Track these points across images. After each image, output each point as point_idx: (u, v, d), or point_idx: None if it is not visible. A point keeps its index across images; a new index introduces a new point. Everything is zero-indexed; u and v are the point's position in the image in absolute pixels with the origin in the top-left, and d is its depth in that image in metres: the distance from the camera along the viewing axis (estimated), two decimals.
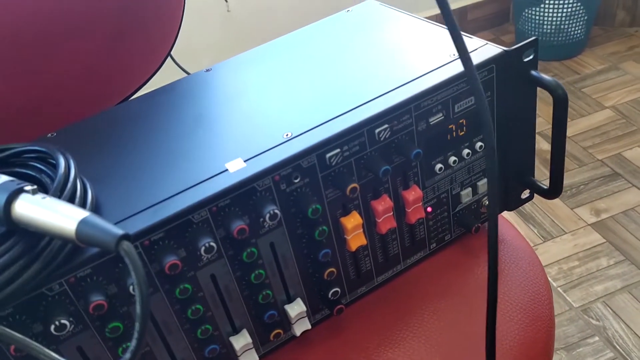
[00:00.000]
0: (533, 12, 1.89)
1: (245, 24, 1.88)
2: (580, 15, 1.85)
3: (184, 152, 0.46)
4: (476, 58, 0.48)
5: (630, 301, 1.24)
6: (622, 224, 1.41)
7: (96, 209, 0.41)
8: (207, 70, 0.56)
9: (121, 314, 0.40)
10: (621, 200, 1.47)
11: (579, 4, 1.82)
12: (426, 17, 2.36)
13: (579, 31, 1.90)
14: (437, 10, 2.13)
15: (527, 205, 1.48)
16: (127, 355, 0.31)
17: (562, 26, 1.87)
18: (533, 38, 0.48)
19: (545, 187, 0.55)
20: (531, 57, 0.49)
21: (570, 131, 1.68)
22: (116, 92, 0.78)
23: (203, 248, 0.40)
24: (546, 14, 1.86)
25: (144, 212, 0.40)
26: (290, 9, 1.90)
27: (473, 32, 2.19)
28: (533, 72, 0.49)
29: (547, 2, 1.84)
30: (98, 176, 0.45)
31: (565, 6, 1.83)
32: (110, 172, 0.45)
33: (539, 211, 1.47)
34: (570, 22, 1.86)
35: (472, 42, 0.50)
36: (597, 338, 1.18)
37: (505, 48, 0.48)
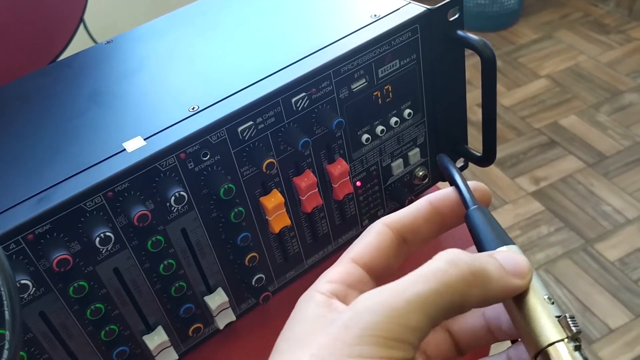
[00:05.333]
0: None
1: None
2: None
3: (77, 133, 0.40)
4: (399, 17, 0.45)
5: (570, 267, 1.25)
6: (561, 191, 1.42)
7: None
8: (108, 42, 0.50)
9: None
10: (559, 167, 1.48)
11: None
12: None
13: (513, 1, 1.90)
14: None
15: (468, 177, 1.48)
16: None
17: None
18: None
19: (478, 155, 0.52)
20: (457, 16, 0.46)
21: (507, 101, 1.69)
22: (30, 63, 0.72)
23: (98, 239, 0.35)
24: None
25: (27, 201, 0.35)
26: None
27: None
28: (459, 32, 0.46)
29: None
30: None
31: None
32: None
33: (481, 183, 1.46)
34: None
35: (394, 2, 0.47)
36: None
37: (428, 7, 0.45)
